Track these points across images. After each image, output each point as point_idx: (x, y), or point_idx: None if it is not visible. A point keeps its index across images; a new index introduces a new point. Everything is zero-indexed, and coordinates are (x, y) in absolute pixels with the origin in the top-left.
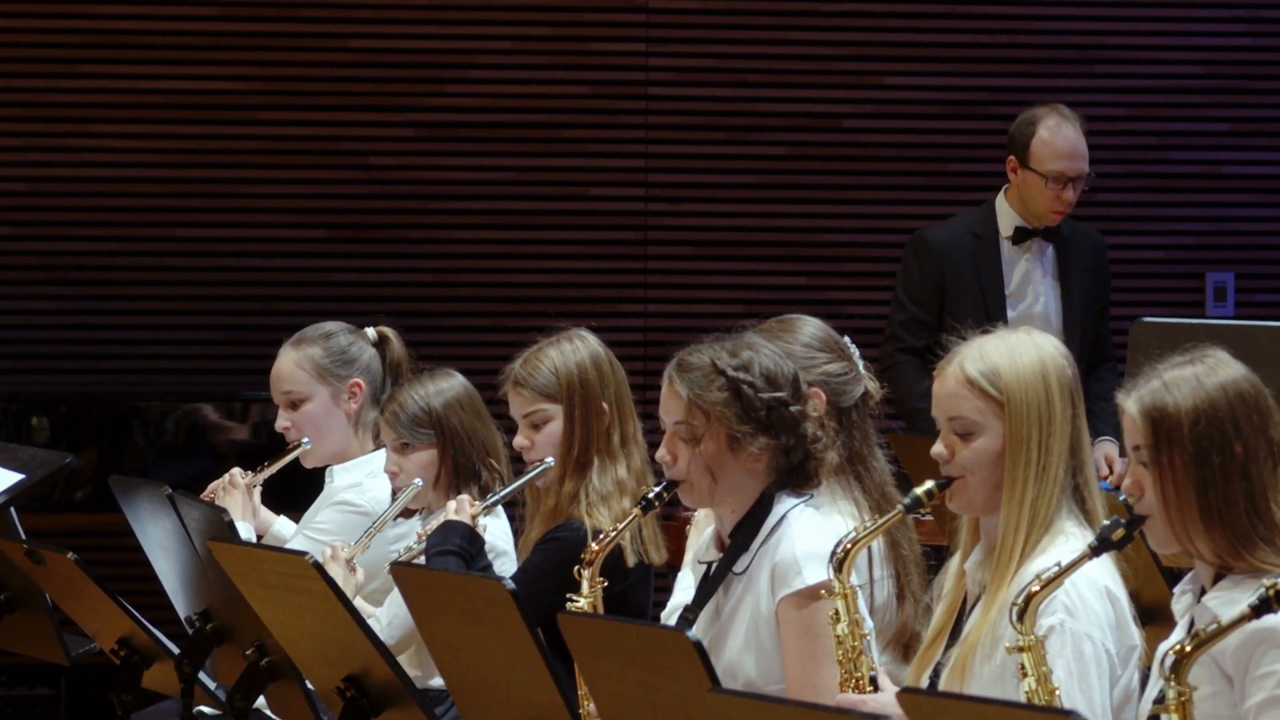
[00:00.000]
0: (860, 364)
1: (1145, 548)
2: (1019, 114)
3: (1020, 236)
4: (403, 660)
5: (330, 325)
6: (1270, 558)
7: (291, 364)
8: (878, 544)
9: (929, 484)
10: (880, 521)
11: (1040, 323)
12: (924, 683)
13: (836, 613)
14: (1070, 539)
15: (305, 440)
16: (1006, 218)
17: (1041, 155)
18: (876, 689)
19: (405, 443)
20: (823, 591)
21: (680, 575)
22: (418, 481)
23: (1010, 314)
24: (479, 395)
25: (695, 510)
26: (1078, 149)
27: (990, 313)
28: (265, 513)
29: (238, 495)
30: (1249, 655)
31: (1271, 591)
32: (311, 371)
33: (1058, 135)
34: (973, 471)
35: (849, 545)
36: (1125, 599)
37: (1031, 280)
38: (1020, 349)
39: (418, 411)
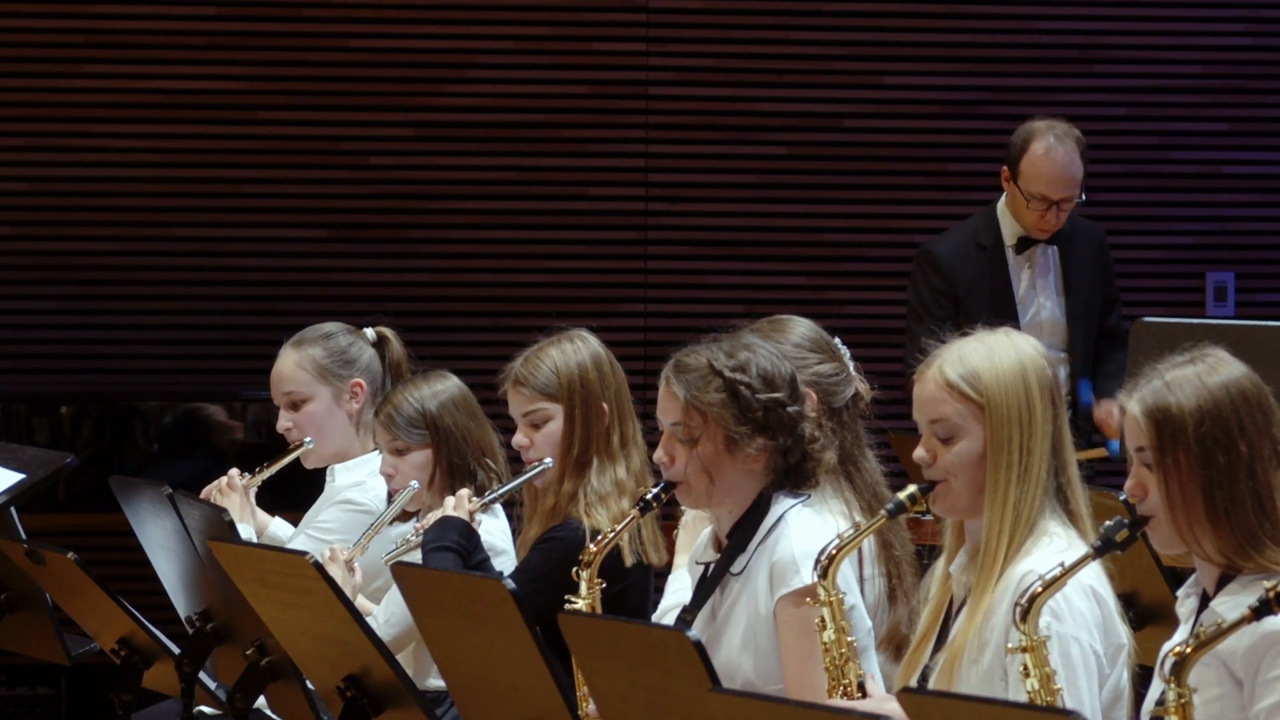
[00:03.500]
0: (851, 365)
1: (1146, 548)
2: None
3: (1024, 245)
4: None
5: (329, 326)
6: (1278, 557)
7: (292, 365)
8: (869, 543)
9: (911, 488)
10: (864, 528)
11: (1047, 329)
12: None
13: (822, 619)
14: (1055, 539)
15: (308, 440)
16: (1009, 226)
17: (1029, 176)
18: (865, 696)
19: (401, 445)
20: (808, 599)
21: (671, 577)
22: (414, 484)
23: (1021, 321)
24: (473, 396)
25: (686, 510)
26: (1066, 173)
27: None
28: (261, 514)
29: (235, 497)
30: (1259, 658)
31: (1271, 594)
32: (313, 372)
33: (1047, 159)
34: (955, 475)
35: (833, 552)
36: (1111, 598)
37: (1035, 287)
38: (999, 351)
39: (413, 413)
